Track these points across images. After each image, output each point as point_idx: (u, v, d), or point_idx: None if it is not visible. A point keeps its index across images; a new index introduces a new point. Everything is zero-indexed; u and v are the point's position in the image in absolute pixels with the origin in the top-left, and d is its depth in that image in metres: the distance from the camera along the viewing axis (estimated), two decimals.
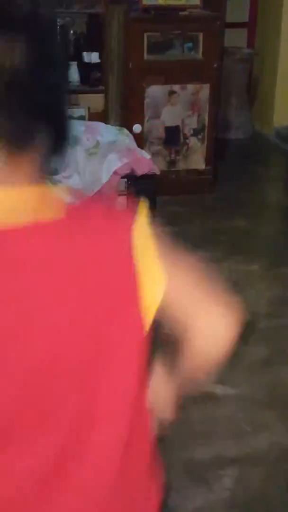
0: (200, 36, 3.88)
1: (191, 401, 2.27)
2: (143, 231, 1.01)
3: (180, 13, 3.85)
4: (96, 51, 3.72)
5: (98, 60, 3.75)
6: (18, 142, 0.89)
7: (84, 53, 3.70)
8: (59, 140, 0.94)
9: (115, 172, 3.22)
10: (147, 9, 3.74)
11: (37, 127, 0.90)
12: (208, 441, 2.13)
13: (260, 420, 2.23)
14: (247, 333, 1.06)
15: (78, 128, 3.25)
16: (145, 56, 3.76)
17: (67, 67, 1.24)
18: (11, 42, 0.85)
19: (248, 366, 2.49)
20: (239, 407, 2.27)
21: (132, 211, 1.01)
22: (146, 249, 1.00)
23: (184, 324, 1.03)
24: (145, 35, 3.72)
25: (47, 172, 0.93)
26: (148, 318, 0.98)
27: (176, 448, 2.09)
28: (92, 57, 3.72)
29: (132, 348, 0.99)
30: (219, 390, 2.34)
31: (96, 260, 0.94)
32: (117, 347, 0.97)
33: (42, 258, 0.90)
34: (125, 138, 3.41)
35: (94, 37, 3.79)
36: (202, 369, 1.10)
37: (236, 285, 3.06)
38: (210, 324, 1.05)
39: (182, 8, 3.84)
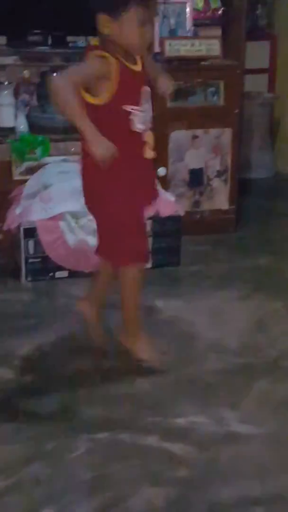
0: (221, 84, 3.99)
1: (216, 441, 2.32)
2: None
3: (202, 63, 3.98)
4: None
5: None
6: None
7: None
8: None
9: None
10: (170, 60, 3.88)
11: None
12: (233, 481, 2.13)
13: (285, 459, 2.24)
14: None
15: None
16: (169, 104, 3.87)
17: None
18: None
19: (274, 405, 2.52)
20: (264, 446, 2.29)
21: None
22: None
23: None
24: None
25: None
26: None
27: (200, 488, 2.11)
28: None
29: None
30: (244, 429, 2.37)
31: None
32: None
33: None
34: None
35: None
36: None
37: (261, 323, 3.11)
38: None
39: (204, 58, 3.97)
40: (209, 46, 3.98)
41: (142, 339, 2.75)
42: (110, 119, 2.44)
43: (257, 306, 3.28)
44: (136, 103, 2.48)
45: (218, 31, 4.18)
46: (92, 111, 2.38)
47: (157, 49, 3.94)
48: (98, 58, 2.41)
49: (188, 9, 4.08)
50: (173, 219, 3.67)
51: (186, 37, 4.01)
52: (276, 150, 5.56)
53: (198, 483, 2.14)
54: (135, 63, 2.49)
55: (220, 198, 4.18)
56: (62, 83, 2.34)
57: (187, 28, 4.08)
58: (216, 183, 4.15)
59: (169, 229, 3.68)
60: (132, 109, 2.47)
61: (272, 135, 5.53)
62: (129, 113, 2.47)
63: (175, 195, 3.91)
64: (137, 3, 2.35)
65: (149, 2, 2.42)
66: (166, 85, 2.67)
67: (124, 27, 2.37)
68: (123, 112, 2.46)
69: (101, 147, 2.32)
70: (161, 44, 3.91)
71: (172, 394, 2.59)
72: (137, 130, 2.50)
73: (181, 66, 3.92)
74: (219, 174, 4.14)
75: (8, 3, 3.89)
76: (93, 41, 3.45)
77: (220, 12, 4.19)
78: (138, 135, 2.51)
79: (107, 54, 2.40)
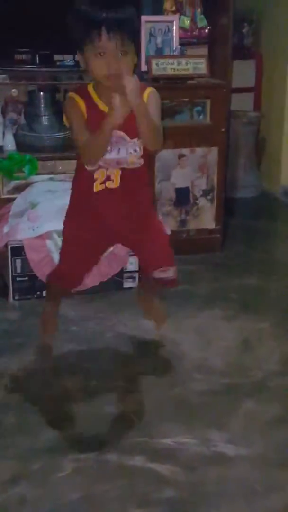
0: (208, 103, 4.02)
1: (203, 462, 2.32)
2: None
3: (188, 81, 4.00)
4: None
5: None
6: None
7: None
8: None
9: None
10: (156, 78, 3.90)
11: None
12: (220, 502, 2.14)
13: (273, 480, 2.24)
14: None
15: None
16: None
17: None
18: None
19: (260, 426, 2.53)
20: (251, 467, 2.29)
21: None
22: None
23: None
24: None
25: None
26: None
27: (188, 509, 2.12)
28: None
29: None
30: (231, 450, 2.37)
31: None
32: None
33: None
34: None
35: None
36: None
37: (247, 343, 3.12)
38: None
39: (190, 77, 4.00)
40: (195, 65, 4.00)
41: None
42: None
43: (243, 326, 3.29)
44: None
45: (204, 50, 4.21)
46: None
47: (143, 67, 3.96)
48: (69, 104, 2.50)
49: (174, 28, 4.10)
50: None
51: (172, 56, 4.03)
52: (262, 169, 5.60)
53: (185, 504, 2.14)
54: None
55: (206, 217, 4.20)
56: (82, 152, 2.53)
57: (174, 47, 4.10)
58: (202, 202, 4.17)
59: None
60: None
61: (257, 154, 5.57)
62: None
63: (161, 214, 3.93)
64: (96, 33, 2.30)
65: (115, 30, 2.30)
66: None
67: (87, 59, 2.38)
68: None
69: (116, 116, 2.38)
70: (148, 63, 3.93)
71: (158, 414, 2.59)
72: (91, 168, 2.55)
73: (167, 85, 3.94)
74: (205, 193, 4.16)
75: None
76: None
77: (206, 31, 4.23)
78: (92, 171, 2.56)
79: (72, 95, 2.49)
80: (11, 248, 3.45)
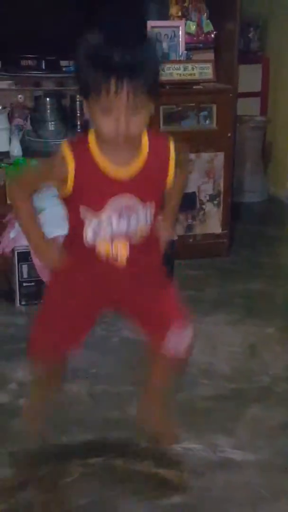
0: (214, 108, 4.03)
1: (210, 467, 2.32)
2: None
3: (194, 86, 4.01)
4: None
5: None
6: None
7: None
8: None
9: None
10: (162, 84, 3.90)
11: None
12: (227, 508, 2.14)
13: (280, 486, 2.24)
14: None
15: None
16: (161, 127, 3.90)
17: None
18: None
19: (267, 431, 2.53)
20: (258, 472, 2.29)
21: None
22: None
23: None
24: (161, 108, 3.89)
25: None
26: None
27: None
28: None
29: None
30: (238, 455, 2.37)
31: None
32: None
33: None
34: None
35: None
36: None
37: (253, 348, 3.12)
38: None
39: (196, 82, 4.01)
40: (201, 70, 4.01)
41: None
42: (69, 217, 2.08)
43: (249, 331, 3.29)
44: (97, 210, 1.97)
45: (210, 55, 4.23)
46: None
47: None
48: (54, 158, 1.98)
49: (180, 33, 4.11)
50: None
51: (178, 61, 4.05)
52: (269, 174, 5.60)
53: (192, 509, 2.14)
54: (122, 162, 1.94)
55: (212, 222, 4.21)
56: (15, 186, 2.12)
57: (180, 52, 4.11)
58: (208, 207, 4.17)
59: (163, 253, 3.68)
60: (86, 216, 1.98)
61: (264, 159, 5.57)
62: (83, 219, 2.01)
63: None
64: (105, 86, 1.76)
65: (129, 86, 1.75)
66: (164, 235, 2.17)
67: (91, 112, 1.85)
68: (78, 215, 2.00)
69: (44, 259, 2.16)
70: None
71: None
72: (88, 241, 2.00)
73: (174, 90, 3.95)
74: (212, 198, 4.16)
75: (1, 27, 3.92)
76: None
77: (212, 35, 4.23)
78: (89, 245, 2.02)
79: (63, 151, 1.92)
80: (18, 253, 3.46)
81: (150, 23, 4.01)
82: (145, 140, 1.96)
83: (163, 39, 4.10)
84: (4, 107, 3.95)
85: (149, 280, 2.15)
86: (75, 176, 1.92)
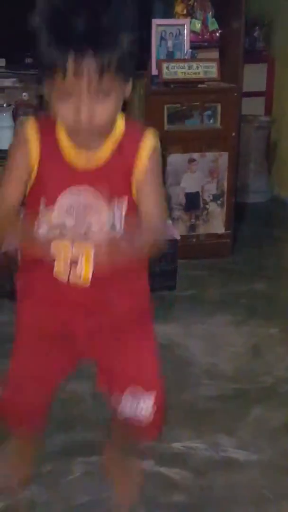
0: (218, 107, 4.02)
1: (212, 466, 2.31)
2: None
3: (199, 85, 4.00)
4: None
5: None
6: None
7: None
8: None
9: None
10: (167, 82, 3.91)
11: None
12: (229, 507, 2.13)
13: (282, 487, 2.23)
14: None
15: None
16: (165, 127, 3.89)
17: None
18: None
19: (270, 432, 2.52)
20: (261, 473, 2.28)
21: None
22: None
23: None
24: (165, 107, 3.88)
25: None
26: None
27: None
28: None
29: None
30: (241, 455, 2.36)
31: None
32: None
33: None
34: None
35: None
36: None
37: (256, 349, 3.11)
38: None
39: (201, 81, 4.00)
40: (206, 69, 4.00)
41: None
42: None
43: (252, 332, 3.28)
44: (50, 203, 1.61)
45: (215, 54, 4.20)
46: None
47: (154, 72, 3.96)
48: (17, 136, 1.69)
49: (186, 31, 4.10)
50: (169, 243, 3.67)
51: (183, 60, 4.03)
52: (273, 174, 5.59)
53: (194, 508, 2.13)
54: (89, 148, 1.60)
55: (216, 222, 4.20)
56: None
57: (185, 51, 4.10)
58: (212, 207, 4.16)
59: (165, 253, 3.68)
60: (41, 213, 1.61)
61: (268, 159, 5.55)
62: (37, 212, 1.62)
63: (171, 219, 3.93)
64: (60, 63, 1.37)
65: (93, 63, 1.38)
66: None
67: (48, 96, 1.51)
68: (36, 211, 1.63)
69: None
70: (159, 66, 3.93)
71: (167, 418, 2.56)
72: (41, 239, 1.56)
73: (178, 89, 3.94)
74: (216, 198, 4.15)
75: (6, 25, 3.91)
76: None
77: (218, 34, 4.22)
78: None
79: (27, 124, 1.63)
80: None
81: (155, 21, 4.00)
82: (120, 127, 1.62)
83: (168, 37, 4.09)
84: (8, 105, 3.94)
85: (121, 316, 1.75)
86: (39, 162, 1.61)
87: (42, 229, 1.55)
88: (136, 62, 1.48)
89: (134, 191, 1.63)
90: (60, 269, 1.64)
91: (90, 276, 1.61)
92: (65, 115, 1.47)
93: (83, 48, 1.35)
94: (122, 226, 1.59)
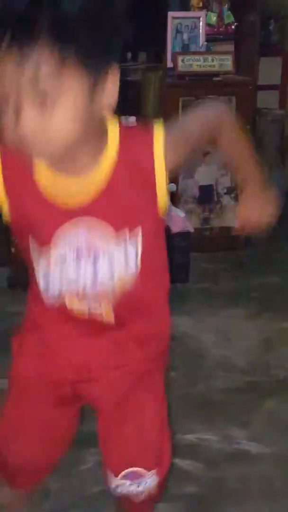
0: (233, 100, 4.01)
1: (224, 458, 2.32)
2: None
3: (214, 78, 4.00)
4: (132, 115, 3.85)
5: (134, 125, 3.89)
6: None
7: (122, 118, 3.85)
8: None
9: None
10: (182, 75, 3.90)
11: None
12: (240, 499, 2.13)
13: None
14: None
15: None
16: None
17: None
18: None
19: (282, 424, 2.52)
20: (272, 466, 2.28)
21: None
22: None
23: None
24: (180, 99, 3.88)
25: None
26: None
27: (208, 505, 2.12)
28: (129, 122, 3.86)
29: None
30: (253, 448, 2.37)
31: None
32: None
33: None
34: None
35: (129, 103, 3.93)
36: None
37: (269, 342, 3.11)
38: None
39: (216, 73, 3.99)
40: (221, 62, 3.99)
41: None
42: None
43: (265, 325, 3.28)
44: (44, 243, 1.29)
45: (231, 47, 4.20)
46: None
47: (169, 64, 3.96)
48: None
49: (201, 24, 4.09)
50: (183, 235, 3.67)
51: (198, 53, 4.03)
52: (287, 167, 5.57)
53: (206, 500, 2.14)
54: (76, 173, 1.22)
55: (229, 215, 4.19)
56: None
57: (200, 43, 4.09)
58: (226, 200, 4.16)
59: (178, 246, 3.68)
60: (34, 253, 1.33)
61: (282, 153, 5.54)
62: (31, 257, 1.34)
63: (184, 212, 3.93)
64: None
65: (42, 51, 1.00)
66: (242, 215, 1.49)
67: None
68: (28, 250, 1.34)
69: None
70: (174, 59, 3.93)
71: (180, 411, 2.59)
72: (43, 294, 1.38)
73: (193, 82, 3.94)
74: (229, 191, 4.15)
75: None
76: None
77: (233, 27, 4.21)
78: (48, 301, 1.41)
79: None
80: None
81: (171, 14, 4.00)
82: (114, 136, 1.24)
83: (183, 30, 4.08)
84: None
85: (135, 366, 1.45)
86: (7, 196, 1.25)
87: (42, 282, 1.35)
88: (121, 57, 1.15)
89: (161, 204, 1.29)
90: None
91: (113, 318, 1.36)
92: (4, 128, 1.06)
93: (29, 28, 0.97)
94: (138, 266, 1.28)
